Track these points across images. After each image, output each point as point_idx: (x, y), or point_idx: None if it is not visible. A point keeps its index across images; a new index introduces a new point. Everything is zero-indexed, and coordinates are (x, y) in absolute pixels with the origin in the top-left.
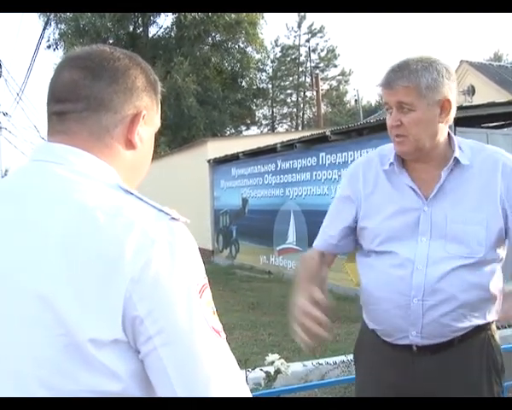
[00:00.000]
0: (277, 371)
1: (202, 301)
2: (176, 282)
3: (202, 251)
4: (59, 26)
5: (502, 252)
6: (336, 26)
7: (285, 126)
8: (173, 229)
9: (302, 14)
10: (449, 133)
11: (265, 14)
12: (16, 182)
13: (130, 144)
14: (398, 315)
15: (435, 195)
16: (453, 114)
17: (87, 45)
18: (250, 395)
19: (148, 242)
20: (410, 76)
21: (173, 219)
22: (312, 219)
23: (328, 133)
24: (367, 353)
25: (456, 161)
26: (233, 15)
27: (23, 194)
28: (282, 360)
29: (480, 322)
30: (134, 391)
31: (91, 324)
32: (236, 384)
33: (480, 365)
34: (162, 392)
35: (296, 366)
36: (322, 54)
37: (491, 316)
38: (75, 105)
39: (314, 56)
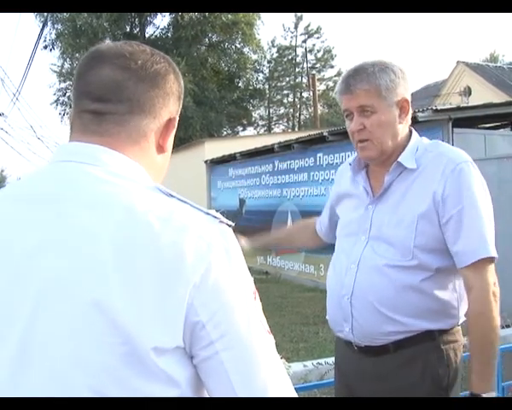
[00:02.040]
0: None
1: (256, 303)
2: (234, 286)
3: None
4: (55, 26)
5: (447, 259)
6: (333, 26)
7: (281, 127)
8: (225, 232)
9: (299, 14)
10: (410, 135)
11: (262, 15)
12: (48, 184)
13: (160, 149)
14: (335, 308)
15: (379, 197)
16: (410, 114)
17: (121, 41)
18: (296, 396)
19: (205, 246)
20: (369, 79)
21: (221, 222)
22: None
23: (325, 134)
24: (336, 345)
25: (402, 165)
26: (230, 16)
27: (60, 196)
28: (284, 360)
29: (418, 329)
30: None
31: (154, 332)
32: (288, 386)
33: (419, 376)
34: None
35: (297, 367)
36: (319, 54)
37: (438, 325)
38: (116, 106)
39: (311, 57)
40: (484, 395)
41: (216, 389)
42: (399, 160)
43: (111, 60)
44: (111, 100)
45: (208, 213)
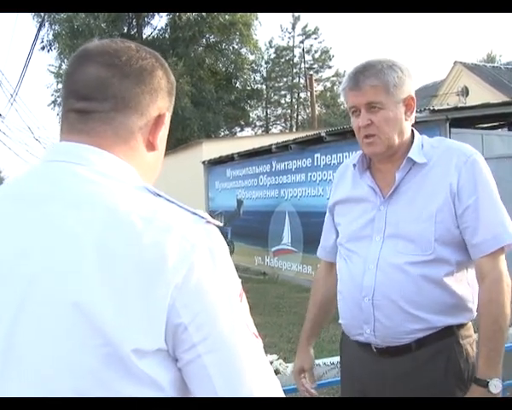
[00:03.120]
0: (276, 372)
1: (242, 305)
2: (218, 288)
3: None
4: (53, 27)
5: (463, 252)
6: (331, 27)
7: (279, 128)
8: (210, 233)
9: (296, 15)
10: (412, 133)
11: (260, 16)
12: (34, 184)
13: (151, 146)
14: (353, 311)
15: (391, 195)
16: (415, 112)
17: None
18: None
19: (188, 247)
20: (377, 75)
21: (208, 222)
22: (307, 220)
23: (323, 134)
24: (344, 349)
25: (412, 160)
26: (227, 16)
27: (45, 197)
28: (281, 361)
29: (441, 325)
30: None
31: (135, 333)
32: (276, 391)
33: (442, 372)
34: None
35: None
36: (317, 55)
37: (458, 319)
38: (102, 104)
39: (308, 57)
40: (489, 381)
41: (199, 394)
42: (410, 155)
43: (96, 58)
44: (96, 98)
45: (195, 213)
